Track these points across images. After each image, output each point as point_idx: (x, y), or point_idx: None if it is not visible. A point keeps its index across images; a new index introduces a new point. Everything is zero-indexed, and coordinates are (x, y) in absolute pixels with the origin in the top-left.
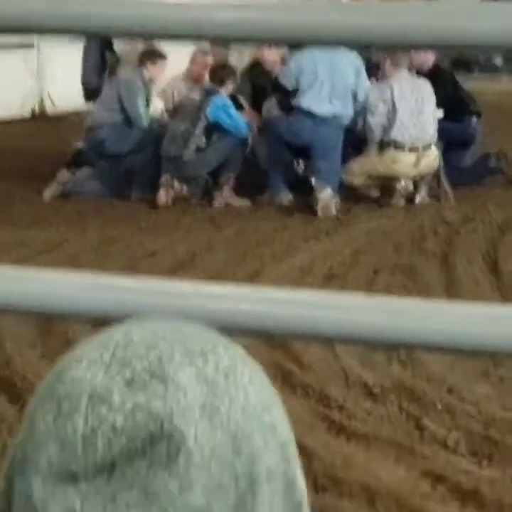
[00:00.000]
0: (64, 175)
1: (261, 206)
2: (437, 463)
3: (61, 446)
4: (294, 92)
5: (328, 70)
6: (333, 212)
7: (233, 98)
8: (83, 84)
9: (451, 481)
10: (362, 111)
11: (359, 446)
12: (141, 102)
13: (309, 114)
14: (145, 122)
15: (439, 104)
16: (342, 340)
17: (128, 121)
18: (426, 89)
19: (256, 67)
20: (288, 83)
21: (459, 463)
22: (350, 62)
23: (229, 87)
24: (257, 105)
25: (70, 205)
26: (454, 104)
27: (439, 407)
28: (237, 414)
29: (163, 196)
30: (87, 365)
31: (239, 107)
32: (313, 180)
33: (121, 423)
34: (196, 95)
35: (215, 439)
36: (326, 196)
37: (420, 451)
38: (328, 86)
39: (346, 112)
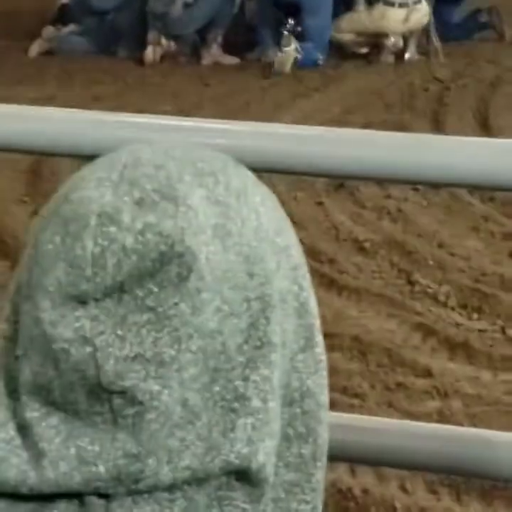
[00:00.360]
0: (49, 31)
1: (250, 64)
2: (428, 316)
3: (70, 267)
4: None
5: None
6: (287, 69)
7: None
8: None
9: (441, 334)
10: None
11: (350, 301)
12: None
13: None
14: None
15: None
16: (345, 176)
17: None
18: None
19: None
20: None
21: (449, 316)
22: None
23: None
24: None
25: (56, 62)
26: None
27: (430, 261)
28: (249, 235)
29: (150, 53)
30: (95, 185)
31: None
32: (284, 32)
33: (131, 242)
34: None
35: (227, 260)
36: (288, 51)
37: (411, 305)
38: None
39: None
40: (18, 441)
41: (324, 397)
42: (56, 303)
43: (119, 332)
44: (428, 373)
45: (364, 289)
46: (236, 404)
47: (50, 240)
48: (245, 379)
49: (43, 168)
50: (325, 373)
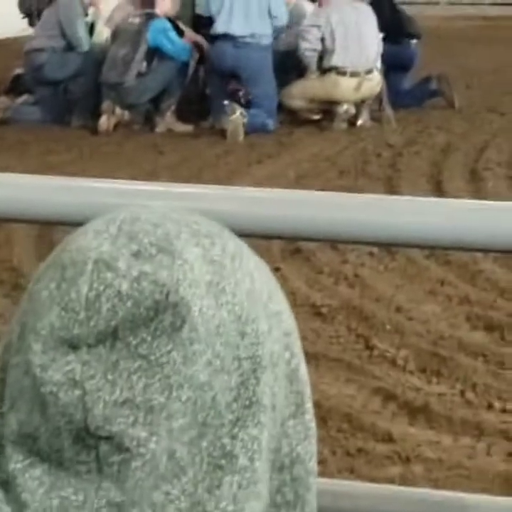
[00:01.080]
0: (3, 101)
1: (204, 131)
2: (387, 381)
3: (63, 310)
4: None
5: None
6: (241, 136)
7: (173, 23)
8: (24, 11)
9: (401, 398)
10: (282, 29)
11: (308, 366)
12: (80, 26)
13: (228, 38)
14: (85, 46)
15: (378, 27)
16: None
17: (68, 46)
18: (367, 13)
19: None
20: (202, 11)
21: (408, 380)
22: None
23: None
24: (197, 31)
25: (10, 132)
26: (392, 26)
27: (388, 326)
28: (242, 296)
29: (104, 123)
30: (93, 236)
31: (180, 32)
32: (225, 102)
33: (126, 288)
34: (137, 19)
35: (220, 317)
36: (235, 119)
37: (370, 370)
38: (241, 5)
39: (265, 31)
40: (0, 494)
41: (313, 464)
42: (48, 346)
43: (110, 377)
44: (389, 438)
45: (322, 354)
46: (223, 461)
47: (46, 286)
48: (233, 437)
49: None
50: (314, 441)
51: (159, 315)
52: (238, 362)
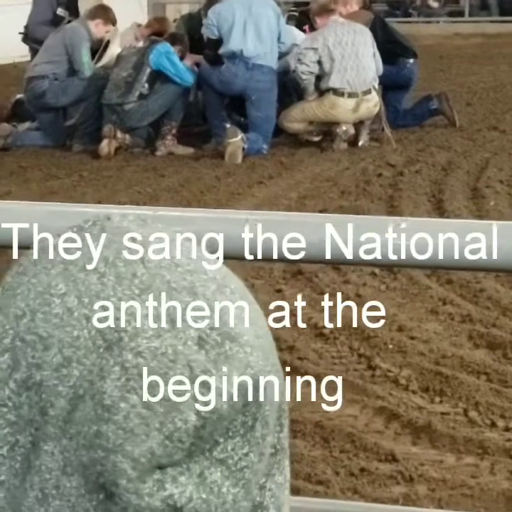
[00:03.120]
0: (4, 128)
1: (204, 154)
2: (390, 400)
3: (168, 440)
4: (220, 43)
5: (247, 13)
6: (239, 159)
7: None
8: (31, 39)
9: (404, 418)
10: (288, 54)
11: (311, 387)
12: (85, 51)
13: (241, 58)
14: (88, 72)
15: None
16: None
17: (71, 72)
18: (364, 34)
19: (193, 18)
20: (210, 33)
21: (411, 400)
22: (269, 6)
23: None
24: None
25: (12, 158)
26: (386, 47)
27: (390, 345)
28: (270, 347)
29: (105, 147)
30: (153, 332)
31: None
32: (227, 125)
33: (226, 409)
34: (140, 43)
35: (278, 391)
36: (235, 142)
37: (373, 389)
38: (251, 28)
39: (274, 54)
40: None
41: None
42: (143, 472)
43: (204, 496)
44: (392, 458)
45: (324, 375)
46: None
47: (125, 398)
48: (262, 488)
49: None
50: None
51: (231, 417)
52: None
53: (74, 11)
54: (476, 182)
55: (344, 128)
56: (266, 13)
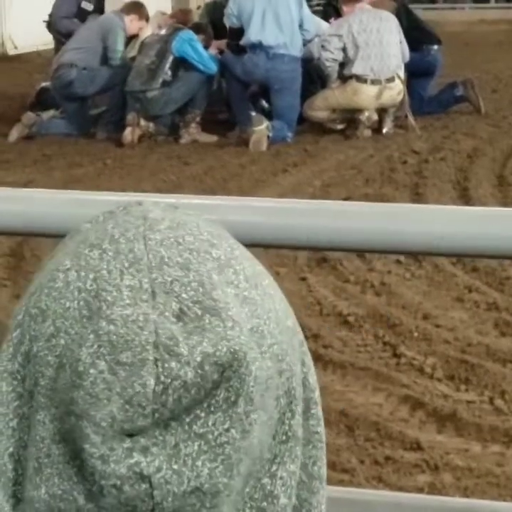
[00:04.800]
0: (29, 116)
1: (228, 142)
2: (415, 389)
3: (127, 404)
4: (242, 32)
5: (267, 1)
6: (264, 147)
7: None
8: (54, 29)
9: (429, 406)
10: (311, 41)
11: (336, 375)
12: (120, 39)
13: (261, 48)
14: (119, 61)
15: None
16: (333, 247)
17: (101, 60)
18: (390, 21)
19: (217, 6)
20: (230, 23)
21: (436, 388)
22: None
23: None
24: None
25: (36, 146)
26: (410, 34)
27: (415, 333)
28: (275, 331)
29: (128, 135)
30: (130, 300)
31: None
32: (252, 113)
33: (191, 377)
34: (163, 31)
35: (267, 369)
36: (260, 130)
37: (397, 378)
38: (271, 16)
39: (297, 43)
40: None
41: (318, 469)
42: (107, 437)
43: (175, 467)
44: (417, 446)
45: (349, 363)
46: (264, 504)
47: (94, 364)
48: (273, 476)
49: (25, 251)
50: (321, 445)
51: (212, 391)
52: (277, 401)
53: (98, 5)
54: (502, 169)
55: (367, 114)
56: (286, 0)
